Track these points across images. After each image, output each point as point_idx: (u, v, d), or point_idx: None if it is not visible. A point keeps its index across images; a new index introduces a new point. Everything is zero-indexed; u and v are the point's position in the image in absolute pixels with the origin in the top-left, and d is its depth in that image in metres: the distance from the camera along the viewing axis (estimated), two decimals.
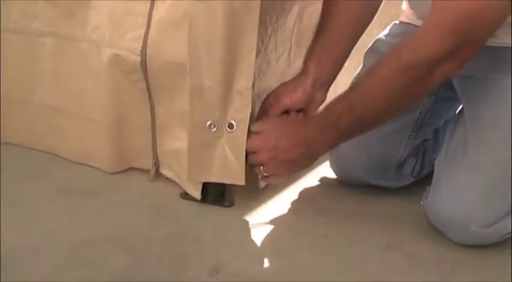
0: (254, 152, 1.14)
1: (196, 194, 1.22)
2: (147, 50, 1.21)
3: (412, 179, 1.33)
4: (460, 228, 1.10)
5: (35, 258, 1.04)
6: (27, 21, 1.35)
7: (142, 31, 1.21)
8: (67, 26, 1.31)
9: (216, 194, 1.23)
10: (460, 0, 0.96)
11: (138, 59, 1.21)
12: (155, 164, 1.31)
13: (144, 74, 1.23)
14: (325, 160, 1.36)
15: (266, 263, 1.08)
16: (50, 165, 1.34)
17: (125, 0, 1.23)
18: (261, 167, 1.14)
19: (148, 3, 1.21)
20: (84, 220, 1.16)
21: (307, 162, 1.15)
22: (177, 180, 1.28)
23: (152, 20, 1.21)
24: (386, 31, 1.35)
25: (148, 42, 1.21)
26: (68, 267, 1.03)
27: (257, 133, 1.14)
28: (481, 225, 1.09)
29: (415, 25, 1.26)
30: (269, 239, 1.15)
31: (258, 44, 1.18)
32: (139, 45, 1.21)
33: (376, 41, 1.33)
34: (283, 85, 1.20)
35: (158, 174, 1.32)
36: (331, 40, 1.19)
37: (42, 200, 1.21)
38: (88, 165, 1.35)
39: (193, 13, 1.11)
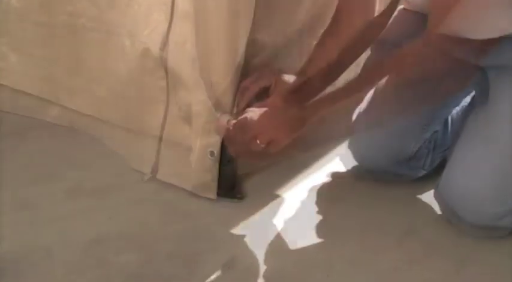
0: (246, 128, 1.10)
1: (211, 194, 1.22)
2: (168, 45, 1.22)
3: (424, 171, 1.31)
4: (473, 206, 1.09)
5: (49, 259, 1.05)
6: (77, 18, 1.42)
7: (166, 26, 1.21)
8: (109, 22, 1.36)
9: (227, 188, 1.23)
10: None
11: (161, 54, 1.23)
12: (153, 169, 1.30)
13: (165, 70, 1.24)
14: (332, 157, 1.37)
15: (280, 257, 1.07)
16: (60, 166, 1.33)
17: None
18: (257, 140, 1.10)
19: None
20: (96, 219, 1.16)
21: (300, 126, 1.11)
22: (177, 183, 1.26)
23: (174, 14, 1.21)
24: (391, 19, 1.33)
25: (170, 37, 1.21)
26: (81, 267, 1.03)
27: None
28: (494, 205, 1.08)
29: (421, 13, 1.24)
30: (282, 232, 1.14)
31: (263, 39, 1.18)
32: (162, 39, 1.22)
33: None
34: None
35: None
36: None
37: (53, 201, 1.21)
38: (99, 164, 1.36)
39: (200, 9, 1.10)
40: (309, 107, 1.10)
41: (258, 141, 1.09)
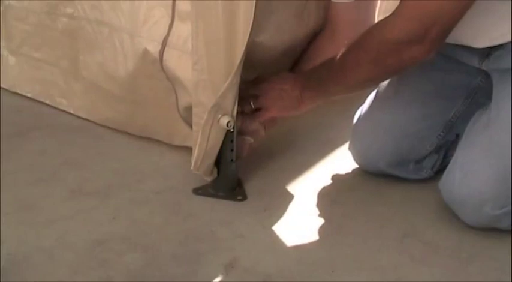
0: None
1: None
2: (169, 46, 1.22)
3: (425, 174, 1.31)
4: (472, 207, 1.10)
5: (51, 261, 1.04)
6: (77, 20, 1.42)
7: (166, 27, 1.22)
8: (110, 24, 1.36)
9: (228, 189, 1.23)
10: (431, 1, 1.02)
11: (161, 55, 1.23)
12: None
13: (165, 72, 1.25)
14: (333, 158, 1.37)
15: (281, 257, 1.08)
16: (61, 166, 1.33)
17: None
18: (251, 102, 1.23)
19: None
20: (98, 220, 1.16)
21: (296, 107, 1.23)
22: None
23: (175, 16, 1.21)
24: None
25: (170, 38, 1.21)
26: (83, 268, 1.03)
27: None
28: (494, 206, 1.08)
29: None
30: (283, 232, 1.14)
31: (264, 41, 1.18)
32: (163, 41, 1.23)
33: None
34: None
35: (169, 171, 1.32)
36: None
37: (54, 202, 1.21)
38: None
39: (201, 10, 1.11)
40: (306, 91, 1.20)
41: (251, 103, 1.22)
